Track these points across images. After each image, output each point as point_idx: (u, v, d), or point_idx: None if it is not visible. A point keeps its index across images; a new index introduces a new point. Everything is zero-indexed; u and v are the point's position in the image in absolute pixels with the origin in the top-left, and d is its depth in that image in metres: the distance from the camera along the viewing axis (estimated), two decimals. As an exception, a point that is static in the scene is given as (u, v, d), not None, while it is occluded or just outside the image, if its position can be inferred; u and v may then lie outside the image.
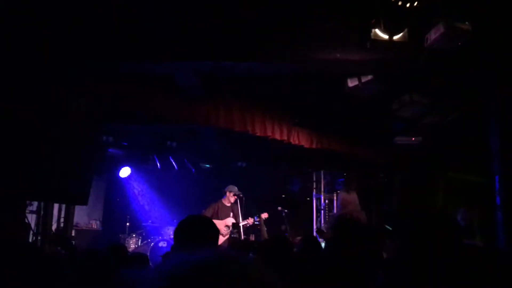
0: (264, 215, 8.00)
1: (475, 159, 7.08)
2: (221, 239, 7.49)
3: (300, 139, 7.70)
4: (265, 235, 7.75)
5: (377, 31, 4.09)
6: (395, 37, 4.10)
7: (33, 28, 4.30)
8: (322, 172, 10.22)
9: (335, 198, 9.72)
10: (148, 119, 6.79)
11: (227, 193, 8.02)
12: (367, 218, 6.35)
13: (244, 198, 8.18)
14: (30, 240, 6.13)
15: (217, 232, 2.34)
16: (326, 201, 10.14)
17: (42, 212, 6.20)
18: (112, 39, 4.53)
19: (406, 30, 4.11)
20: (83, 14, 4.40)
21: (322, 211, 10.09)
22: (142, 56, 4.68)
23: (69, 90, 5.12)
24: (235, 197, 8.00)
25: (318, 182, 10.30)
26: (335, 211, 9.58)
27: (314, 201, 10.30)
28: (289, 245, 3.40)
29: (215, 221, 7.77)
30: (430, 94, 5.64)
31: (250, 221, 7.98)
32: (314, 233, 9.40)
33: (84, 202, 5.70)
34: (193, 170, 9.86)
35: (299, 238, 7.14)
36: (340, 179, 9.70)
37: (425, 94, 5.63)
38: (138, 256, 4.09)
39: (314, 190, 10.35)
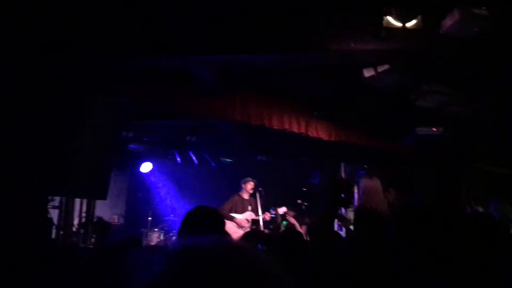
0: (280, 209, 7.98)
1: (502, 150, 6.90)
2: (240, 233, 7.50)
3: (319, 132, 7.63)
4: (282, 228, 7.74)
5: (390, 19, 4.00)
6: (408, 25, 4.00)
7: (53, 22, 4.36)
8: (342, 164, 10.11)
9: (355, 190, 9.60)
10: (165, 114, 6.83)
11: (243, 186, 8.06)
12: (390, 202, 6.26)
13: (263, 192, 8.19)
14: (53, 235, 6.28)
15: (223, 223, 2.34)
16: (347, 194, 10.03)
17: (64, 208, 6.34)
18: (128, 33, 4.56)
19: (419, 17, 4.01)
20: (101, 8, 4.45)
21: (343, 204, 9.98)
22: (157, 51, 4.69)
23: (87, 86, 5.19)
24: (252, 188, 8.03)
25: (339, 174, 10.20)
26: (355, 201, 9.50)
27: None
28: (300, 238, 3.37)
29: (235, 215, 7.88)
30: (451, 84, 5.49)
31: (267, 215, 7.99)
32: (336, 222, 9.34)
33: (103, 197, 5.79)
34: (213, 164, 9.90)
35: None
36: (361, 171, 9.58)
37: (445, 83, 5.50)
38: (131, 239, 4.15)
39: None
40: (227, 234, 4.14)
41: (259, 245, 3.13)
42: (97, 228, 6.08)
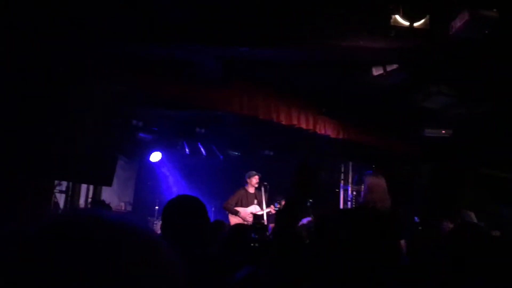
0: (283, 202, 7.98)
1: (508, 155, 6.81)
2: (244, 226, 7.53)
3: (327, 129, 7.61)
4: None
5: (397, 17, 3.96)
6: (416, 24, 3.97)
7: (58, 11, 4.41)
8: (350, 163, 10.08)
9: (362, 189, 9.56)
10: (174, 104, 6.87)
11: (248, 180, 8.08)
12: (392, 206, 6.22)
13: (268, 186, 8.21)
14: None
15: (204, 212, 2.35)
16: (354, 193, 10.00)
17: (70, 192, 6.43)
18: (131, 22, 4.59)
19: (427, 17, 3.97)
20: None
21: (349, 203, 9.96)
22: (160, 40, 4.71)
23: (94, 74, 5.25)
24: (257, 182, 8.04)
25: (346, 173, 10.17)
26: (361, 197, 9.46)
27: (342, 192, 10.18)
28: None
29: (240, 209, 7.90)
30: (458, 85, 5.43)
31: (272, 209, 8.01)
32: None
33: (108, 183, 5.86)
34: (221, 157, 9.94)
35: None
36: (368, 171, 9.52)
37: (453, 84, 5.44)
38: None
39: (342, 181, 10.22)
40: (223, 225, 4.18)
41: (252, 234, 3.15)
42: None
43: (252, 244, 3.25)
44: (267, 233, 3.64)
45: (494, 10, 3.90)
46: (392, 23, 3.99)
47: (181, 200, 2.37)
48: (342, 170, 10.25)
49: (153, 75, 5.58)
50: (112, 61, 5.12)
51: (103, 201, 6.19)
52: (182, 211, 2.29)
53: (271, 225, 8.32)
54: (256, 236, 3.21)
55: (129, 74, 5.41)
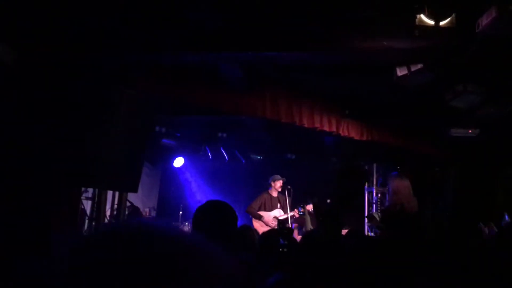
0: (309, 207, 7.95)
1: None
2: (268, 230, 7.50)
3: (350, 131, 7.55)
4: (309, 225, 7.70)
5: (422, 16, 3.91)
6: (442, 23, 3.90)
7: (78, 17, 4.47)
8: (374, 165, 9.97)
9: (387, 191, 9.47)
10: (195, 110, 6.91)
11: (272, 183, 8.06)
12: (419, 207, 6.14)
13: (292, 190, 8.17)
14: (85, 225, 6.47)
15: (234, 217, 2.35)
16: (378, 195, 9.90)
17: (96, 199, 6.51)
18: (155, 29, 4.63)
19: (453, 15, 3.90)
20: (128, 3, 4.53)
21: (374, 205, 9.86)
22: (184, 46, 4.75)
23: (120, 82, 5.31)
24: (281, 186, 8.02)
25: (370, 175, 10.07)
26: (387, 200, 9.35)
27: (366, 194, 10.08)
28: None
29: (263, 213, 7.89)
30: (486, 84, 5.32)
31: (296, 212, 7.97)
32: (366, 222, 9.22)
33: (134, 189, 5.90)
34: (243, 161, 9.95)
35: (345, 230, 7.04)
36: (394, 172, 9.41)
37: (480, 83, 5.33)
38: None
39: (366, 183, 10.12)
40: (251, 230, 4.16)
41: (281, 240, 3.14)
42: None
43: (281, 250, 3.23)
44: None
45: (523, 5, 3.80)
46: (417, 23, 3.93)
47: (211, 205, 2.37)
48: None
49: (178, 82, 5.62)
50: (140, 68, 5.18)
51: (138, 208, 6.27)
52: (211, 216, 2.29)
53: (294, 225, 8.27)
54: (285, 242, 3.19)
55: (157, 82, 5.47)
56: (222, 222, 2.25)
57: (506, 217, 6.10)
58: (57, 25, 4.32)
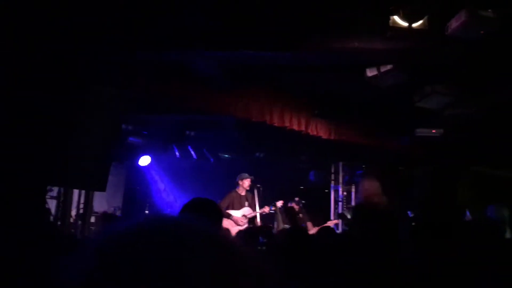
0: (279, 203, 8.02)
1: (504, 153, 6.91)
2: (238, 229, 7.51)
3: (319, 130, 7.64)
4: (281, 223, 7.76)
5: (396, 18, 3.99)
6: (415, 25, 4.00)
7: (57, 13, 4.33)
8: (340, 164, 10.13)
9: (353, 190, 9.66)
10: (168, 109, 6.82)
11: (240, 182, 8.07)
12: (388, 204, 6.28)
13: (261, 188, 8.20)
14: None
15: (220, 215, 2.34)
16: (344, 193, 10.07)
17: (62, 198, 6.32)
18: (132, 26, 4.54)
19: (426, 17, 4.01)
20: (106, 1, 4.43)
21: (340, 203, 10.02)
22: (162, 45, 4.68)
23: (90, 78, 5.17)
24: (249, 184, 8.04)
25: (337, 173, 10.23)
26: (353, 201, 9.54)
27: (332, 193, 10.23)
28: (306, 237, 3.37)
29: (232, 212, 7.88)
30: (454, 85, 5.50)
31: (266, 209, 8.01)
32: (332, 218, 9.37)
33: (102, 188, 5.77)
34: (212, 159, 9.89)
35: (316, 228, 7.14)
36: (359, 171, 9.60)
37: (448, 85, 5.50)
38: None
39: (333, 182, 10.27)
40: (225, 230, 4.14)
41: (260, 238, 3.14)
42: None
43: (260, 248, 3.23)
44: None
45: (490, 10, 3.95)
46: (391, 24, 4.01)
47: (196, 202, 2.34)
48: (333, 170, 10.31)
49: (150, 79, 5.53)
50: (112, 67, 5.06)
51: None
52: (198, 213, 2.26)
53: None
54: (264, 240, 3.19)
55: (129, 79, 5.36)
56: (208, 219, 2.22)
57: (468, 213, 6.33)
58: (27, 21, 4.16)
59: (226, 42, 4.64)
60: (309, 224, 8.05)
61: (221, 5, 4.43)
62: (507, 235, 6.45)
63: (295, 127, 7.29)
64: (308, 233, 3.15)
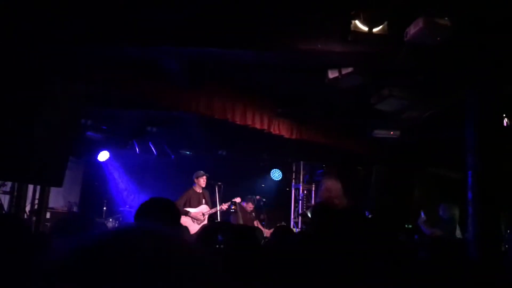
0: (237, 199, 8.07)
1: (454, 155, 7.18)
2: (197, 227, 7.49)
3: (281, 129, 7.73)
4: (240, 220, 7.80)
5: (357, 22, 4.09)
6: (375, 30, 4.11)
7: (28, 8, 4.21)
8: (301, 163, 10.28)
9: (313, 188, 9.81)
10: (129, 104, 6.72)
11: (195, 180, 8.08)
12: (349, 204, 6.42)
13: (222, 186, 8.21)
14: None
15: (178, 215, 2.33)
16: (305, 192, 10.22)
17: (15, 193, 6.11)
18: (97, 22, 4.45)
19: (385, 23, 4.12)
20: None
21: (300, 201, 10.16)
22: (126, 41, 4.61)
23: (49, 71, 5.03)
24: (205, 182, 8.06)
25: (298, 172, 10.37)
26: (313, 200, 9.69)
27: (293, 191, 10.37)
28: (259, 235, 3.41)
29: (190, 209, 7.85)
30: (410, 89, 5.68)
31: (225, 206, 8.04)
32: (293, 218, 9.49)
33: (58, 183, 5.63)
34: (172, 156, 9.81)
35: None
36: (319, 170, 9.77)
37: (405, 88, 5.68)
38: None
39: (294, 180, 10.41)
40: (183, 228, 4.13)
41: (219, 236, 3.14)
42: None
43: (217, 246, 3.23)
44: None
45: (446, 18, 4.11)
46: (352, 28, 4.11)
47: (154, 202, 2.33)
48: (294, 169, 10.44)
49: (114, 74, 5.44)
50: (72, 59, 4.94)
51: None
52: (155, 213, 2.26)
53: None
54: (222, 238, 3.19)
55: (92, 74, 5.25)
56: (166, 220, 2.22)
57: (422, 214, 6.55)
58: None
59: (191, 39, 4.62)
60: (256, 223, 8.21)
61: (187, 1, 4.41)
62: (457, 233, 6.74)
63: (258, 126, 7.34)
64: (254, 233, 3.18)
